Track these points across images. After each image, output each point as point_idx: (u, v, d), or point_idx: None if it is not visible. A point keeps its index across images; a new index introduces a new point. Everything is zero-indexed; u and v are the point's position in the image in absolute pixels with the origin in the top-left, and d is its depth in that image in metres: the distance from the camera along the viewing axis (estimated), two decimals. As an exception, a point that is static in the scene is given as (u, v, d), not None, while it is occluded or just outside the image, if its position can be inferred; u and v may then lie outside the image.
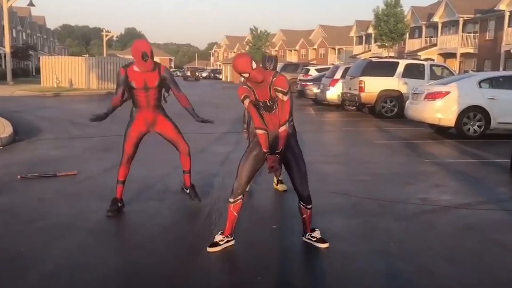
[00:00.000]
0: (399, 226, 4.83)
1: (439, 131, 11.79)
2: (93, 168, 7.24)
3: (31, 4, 32.19)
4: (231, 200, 4.11)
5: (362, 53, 47.36)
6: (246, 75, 3.80)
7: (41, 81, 29.77)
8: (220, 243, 4.13)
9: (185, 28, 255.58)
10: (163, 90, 5.20)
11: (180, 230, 4.70)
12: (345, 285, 3.57)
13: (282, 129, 3.99)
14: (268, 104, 4.00)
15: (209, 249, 4.06)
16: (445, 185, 6.68)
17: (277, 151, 4.01)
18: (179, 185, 5.71)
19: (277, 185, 6.22)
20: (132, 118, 5.16)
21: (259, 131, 4.04)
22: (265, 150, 4.03)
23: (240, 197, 4.10)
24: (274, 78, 3.90)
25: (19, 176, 6.55)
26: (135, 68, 4.94)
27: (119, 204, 5.15)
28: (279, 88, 3.89)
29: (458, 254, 4.13)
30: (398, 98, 15.34)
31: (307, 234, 4.32)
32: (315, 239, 4.27)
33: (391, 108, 15.59)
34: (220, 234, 4.19)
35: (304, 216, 4.31)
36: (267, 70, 4.13)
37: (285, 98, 3.94)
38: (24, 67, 50.99)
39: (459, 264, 3.93)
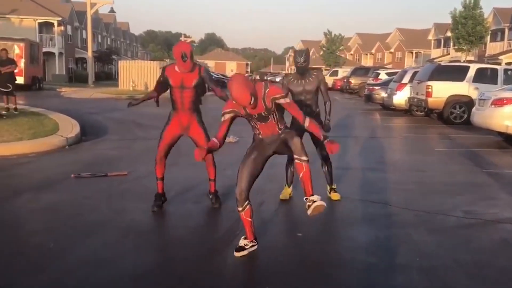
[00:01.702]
0: (431, 240, 4.61)
1: (509, 140, 11.08)
2: (144, 169, 7.48)
3: (112, 11, 33.97)
4: (239, 209, 4.09)
5: (440, 56, 45.56)
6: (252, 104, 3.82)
7: (119, 84, 31.29)
8: (246, 247, 4.15)
9: (262, 33, 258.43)
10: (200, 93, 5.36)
11: (205, 233, 4.78)
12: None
13: (307, 124, 3.99)
14: (263, 114, 4.00)
15: (236, 254, 4.09)
16: (496, 198, 6.28)
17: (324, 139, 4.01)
18: (219, 189, 5.78)
19: (330, 193, 6.04)
20: (168, 120, 5.40)
21: (210, 143, 4.06)
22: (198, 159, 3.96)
23: (246, 202, 4.08)
24: (267, 90, 3.89)
25: (72, 175, 6.94)
26: (176, 68, 5.17)
27: (162, 199, 5.50)
28: (277, 96, 3.90)
29: (485, 271, 3.90)
30: (468, 104, 14.57)
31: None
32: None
33: (461, 114, 14.87)
34: (244, 239, 4.22)
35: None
36: (258, 83, 4.01)
37: (287, 100, 3.98)
38: (107, 71, 53.85)
39: (483, 282, 3.71)
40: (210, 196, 5.63)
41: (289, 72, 71.30)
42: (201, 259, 4.07)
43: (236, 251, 4.11)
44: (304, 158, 3.84)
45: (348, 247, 4.43)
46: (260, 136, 4.17)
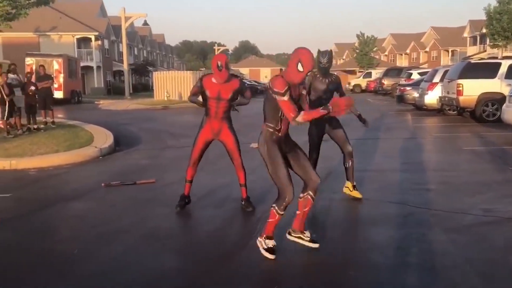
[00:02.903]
0: (446, 238, 4.63)
1: (541, 137, 10.84)
2: (172, 177, 7.74)
3: (145, 23, 34.85)
4: (301, 195, 4.30)
5: (476, 53, 44.54)
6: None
7: (154, 95, 31.99)
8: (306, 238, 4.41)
9: (296, 38, 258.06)
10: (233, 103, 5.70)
11: (223, 237, 4.91)
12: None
13: (300, 118, 3.93)
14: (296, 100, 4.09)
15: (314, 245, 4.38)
16: (520, 196, 6.21)
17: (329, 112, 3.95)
18: (240, 193, 5.97)
19: (351, 190, 6.15)
20: (201, 126, 5.73)
21: (307, 115, 3.97)
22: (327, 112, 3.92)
23: (304, 193, 4.29)
24: (301, 85, 4.06)
25: (103, 184, 7.25)
26: (213, 79, 5.45)
27: (186, 200, 5.83)
28: (276, 91, 3.96)
29: (496, 269, 3.90)
30: (500, 101, 14.17)
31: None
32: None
33: (493, 112, 14.55)
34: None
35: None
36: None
37: (284, 98, 3.93)
38: (144, 82, 55.07)
39: (492, 280, 3.71)
40: (242, 202, 5.81)
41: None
42: (216, 262, 4.23)
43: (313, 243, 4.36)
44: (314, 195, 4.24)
45: (361, 247, 4.51)
46: (280, 135, 4.20)
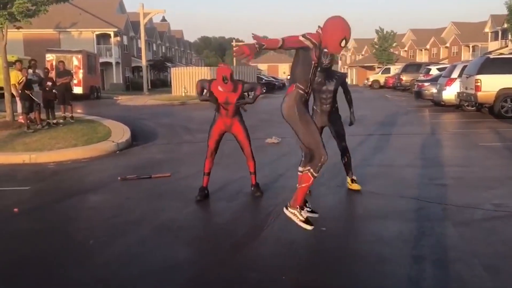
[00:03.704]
0: (455, 232, 4.65)
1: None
2: (187, 170, 7.86)
3: (163, 20, 35.09)
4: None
5: (498, 49, 43.80)
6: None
7: (172, 91, 32.25)
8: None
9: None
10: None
11: (233, 229, 5.00)
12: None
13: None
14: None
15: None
16: (534, 191, 6.18)
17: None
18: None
19: (351, 184, 6.33)
20: (214, 120, 6.07)
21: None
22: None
23: (305, 168, 4.27)
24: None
25: (119, 178, 7.40)
26: (220, 87, 5.76)
27: (205, 191, 6.08)
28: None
29: (502, 263, 3.91)
30: (520, 97, 14.11)
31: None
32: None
33: (512, 108, 14.40)
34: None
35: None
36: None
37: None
38: (163, 78, 55.44)
39: (498, 274, 3.73)
40: (252, 188, 6.17)
41: (342, 71, 70.94)
42: (228, 254, 4.32)
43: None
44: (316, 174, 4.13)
45: (369, 240, 4.55)
46: (307, 98, 4.22)
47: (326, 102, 6.11)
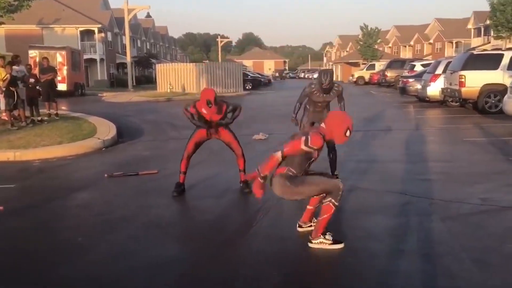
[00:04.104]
0: (442, 227, 4.70)
1: (543, 128, 10.85)
2: (174, 167, 7.74)
3: (148, 16, 34.88)
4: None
5: (481, 45, 44.33)
6: None
7: (157, 87, 32.05)
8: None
9: (300, 31, 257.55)
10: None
11: (223, 226, 4.98)
12: (357, 283, 3.64)
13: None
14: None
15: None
16: (517, 185, 6.27)
17: None
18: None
19: None
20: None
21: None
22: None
23: (326, 200, 4.33)
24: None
25: (106, 175, 7.33)
26: (204, 110, 5.87)
27: (182, 187, 6.13)
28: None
29: (490, 257, 3.96)
30: (503, 93, 14.14)
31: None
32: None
33: (496, 103, 14.53)
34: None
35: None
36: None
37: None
38: (147, 75, 55.08)
39: (487, 267, 3.77)
40: (241, 185, 6.20)
41: (326, 67, 71.29)
42: (218, 249, 4.31)
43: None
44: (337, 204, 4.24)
45: (359, 235, 4.58)
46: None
47: (320, 107, 6.52)
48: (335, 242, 4.25)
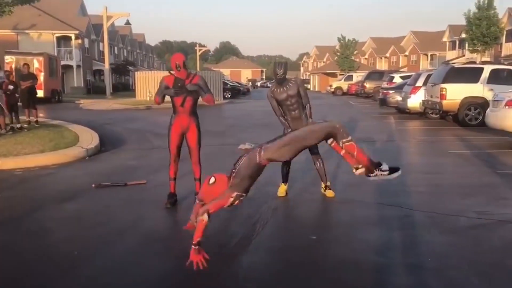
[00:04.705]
0: (443, 240, 4.71)
1: (524, 141, 11.07)
2: (162, 177, 7.64)
3: (127, 23, 34.58)
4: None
5: (455, 58, 45.30)
6: None
7: (136, 95, 31.72)
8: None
9: (277, 40, 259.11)
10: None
11: (221, 239, 4.89)
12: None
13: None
14: None
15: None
16: (509, 198, 6.33)
17: None
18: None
19: (325, 190, 6.38)
20: (171, 123, 5.99)
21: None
22: None
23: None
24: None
25: (93, 185, 7.16)
26: (174, 73, 5.80)
27: (174, 198, 6.02)
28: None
29: (495, 271, 3.97)
30: (483, 106, 14.50)
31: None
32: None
33: (476, 116, 14.82)
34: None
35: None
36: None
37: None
38: (124, 82, 54.56)
39: (492, 282, 3.78)
40: (195, 196, 5.73)
41: (303, 78, 71.71)
42: (215, 262, 4.21)
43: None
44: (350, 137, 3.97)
45: (360, 248, 4.55)
46: None
47: (292, 108, 6.20)
48: (391, 171, 4.08)
